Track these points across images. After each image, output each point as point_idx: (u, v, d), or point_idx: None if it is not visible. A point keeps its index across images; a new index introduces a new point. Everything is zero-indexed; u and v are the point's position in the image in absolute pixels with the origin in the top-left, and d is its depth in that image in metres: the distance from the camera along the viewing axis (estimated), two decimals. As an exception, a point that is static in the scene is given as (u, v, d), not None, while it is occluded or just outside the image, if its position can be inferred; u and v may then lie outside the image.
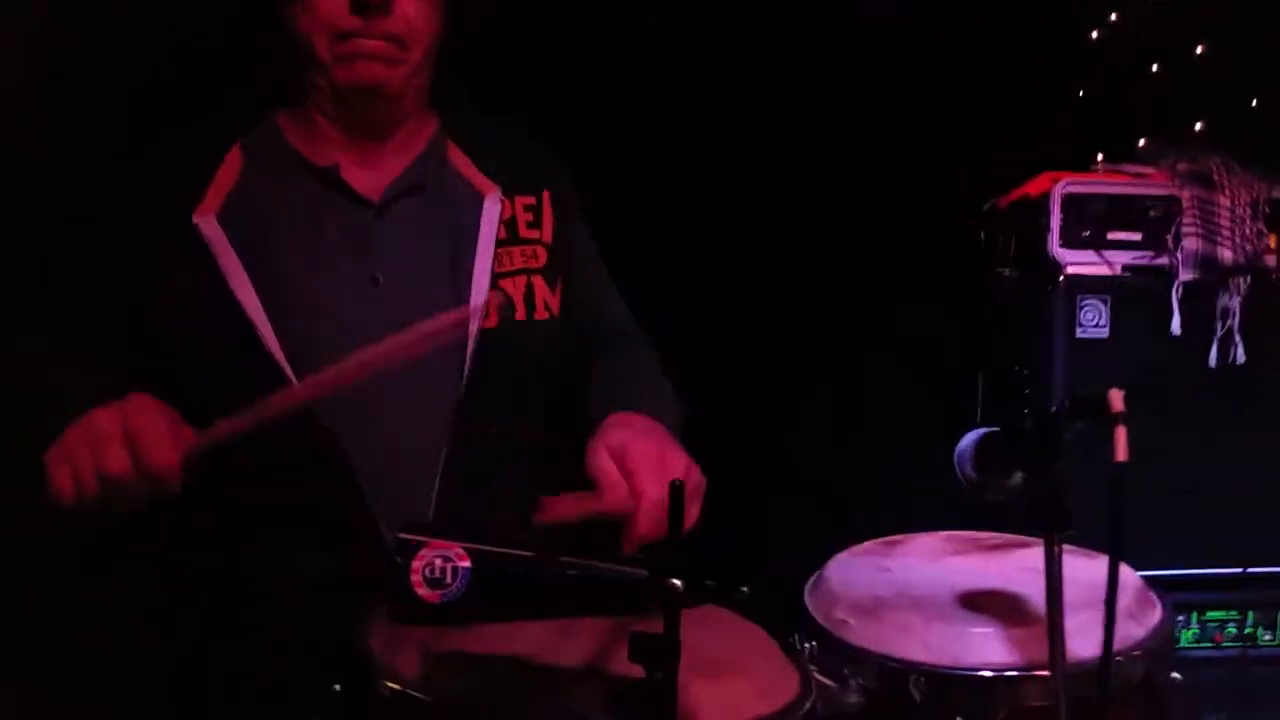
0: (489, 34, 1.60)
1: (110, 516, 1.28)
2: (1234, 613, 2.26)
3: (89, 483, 1.24)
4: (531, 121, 1.68)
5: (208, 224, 1.45)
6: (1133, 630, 1.35)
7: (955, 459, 1.30)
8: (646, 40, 2.36)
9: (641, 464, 1.28)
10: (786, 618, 1.44)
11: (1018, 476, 1.24)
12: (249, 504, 1.47)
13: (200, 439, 1.28)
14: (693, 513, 1.31)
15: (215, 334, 1.44)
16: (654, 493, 1.26)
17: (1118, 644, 1.32)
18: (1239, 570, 2.26)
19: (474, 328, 1.49)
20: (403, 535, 1.00)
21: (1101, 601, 1.32)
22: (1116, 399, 1.04)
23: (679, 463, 1.33)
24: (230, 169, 1.49)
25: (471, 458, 1.49)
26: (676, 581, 1.01)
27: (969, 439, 1.29)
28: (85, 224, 1.53)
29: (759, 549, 2.11)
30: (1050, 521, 1.11)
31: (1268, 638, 2.26)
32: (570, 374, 1.56)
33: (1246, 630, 2.25)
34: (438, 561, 0.99)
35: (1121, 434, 1.02)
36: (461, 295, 1.51)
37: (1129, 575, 1.44)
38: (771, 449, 2.41)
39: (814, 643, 1.36)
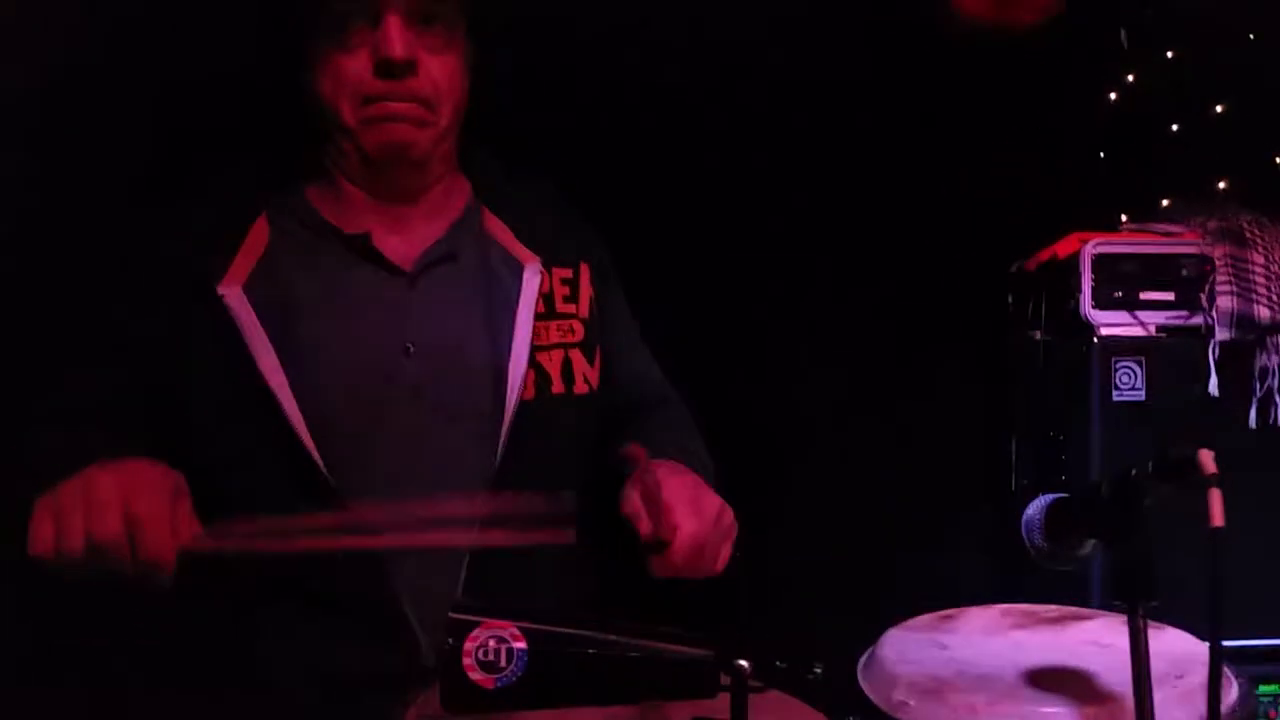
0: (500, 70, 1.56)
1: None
2: (1276, 687, 2.17)
3: (75, 545, 1.16)
4: (555, 177, 1.65)
5: (233, 295, 1.40)
6: (1212, 707, 1.28)
7: (1023, 528, 1.24)
8: (667, 96, 2.34)
9: (676, 499, 1.26)
10: (835, 696, 1.37)
11: (1089, 545, 1.18)
12: (263, 584, 1.40)
13: (202, 542, 1.21)
14: (724, 552, 1.32)
15: (238, 407, 1.39)
16: (689, 528, 1.26)
17: (1198, 721, 1.25)
18: (1281, 642, 2.18)
19: (512, 400, 1.44)
20: (454, 614, 0.94)
21: (1173, 677, 1.27)
22: (1208, 460, 0.98)
23: (713, 503, 1.30)
24: (257, 239, 1.45)
25: (495, 555, 1.42)
26: (744, 663, 0.95)
27: (1036, 506, 1.23)
28: (106, 304, 1.48)
29: (794, 622, 2.03)
30: (1135, 591, 1.05)
31: (1316, 711, 2.17)
32: (605, 442, 1.52)
33: (1293, 704, 2.16)
34: (491, 643, 0.93)
35: (1216, 497, 0.96)
36: (499, 367, 1.46)
37: (1201, 649, 1.37)
38: (800, 513, 2.35)
39: (872, 726, 1.29)
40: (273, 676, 1.40)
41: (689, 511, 1.26)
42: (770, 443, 2.34)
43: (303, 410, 1.38)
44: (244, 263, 1.43)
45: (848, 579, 2.26)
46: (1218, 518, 0.95)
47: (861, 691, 1.37)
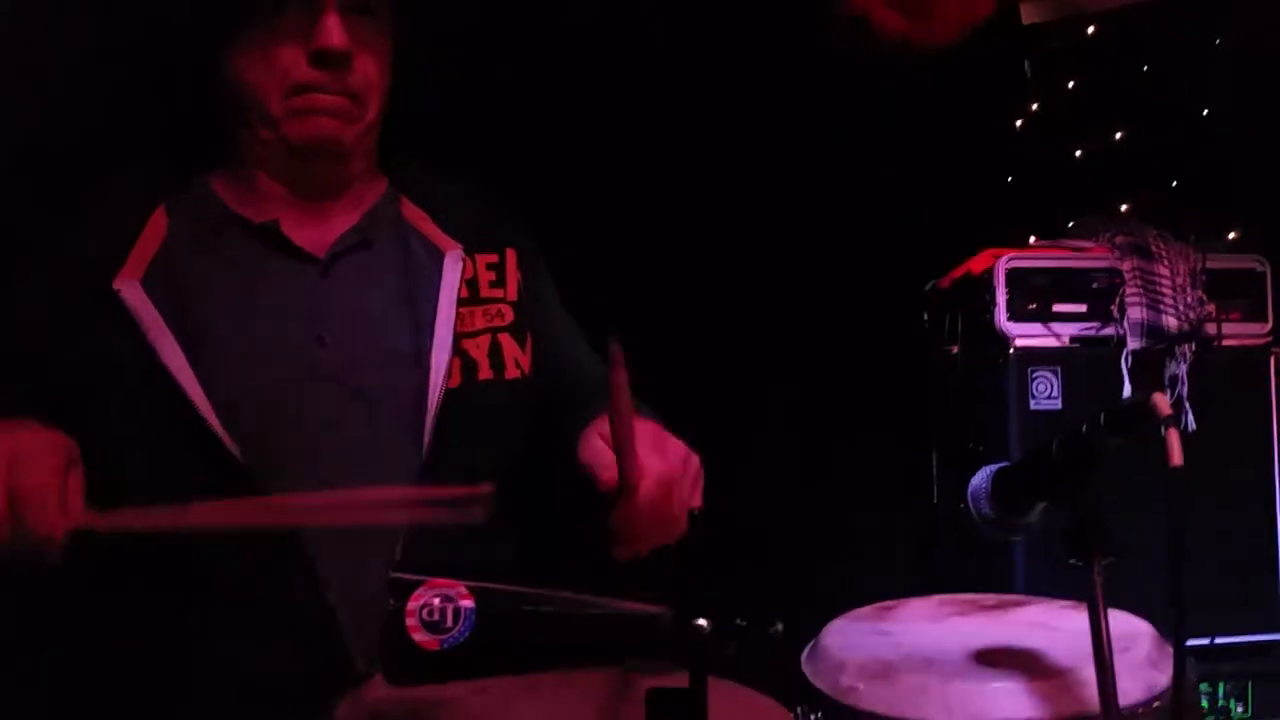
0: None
1: None
2: (1205, 685, 2.19)
3: None
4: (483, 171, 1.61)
5: (131, 290, 1.34)
6: (1157, 679, 1.28)
7: (969, 499, 1.23)
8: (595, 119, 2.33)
9: (641, 440, 1.19)
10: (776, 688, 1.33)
11: (1038, 509, 1.18)
12: (186, 585, 1.31)
13: (94, 520, 1.12)
14: (695, 496, 1.26)
15: (146, 405, 1.32)
16: (656, 467, 1.19)
17: (1144, 692, 1.25)
18: (1207, 641, 2.20)
19: (437, 388, 1.39)
20: (396, 575, 0.88)
21: (1118, 651, 1.26)
22: (1162, 402, 0.98)
23: (678, 445, 1.26)
24: (154, 232, 1.39)
25: (434, 529, 1.36)
26: (702, 621, 0.90)
27: (981, 476, 1.23)
28: None
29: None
30: (1091, 548, 1.04)
31: (1240, 710, 2.20)
32: (543, 426, 1.47)
33: (1220, 703, 2.18)
34: (436, 601, 0.87)
35: (1174, 436, 0.96)
36: (421, 355, 1.41)
37: (1142, 624, 1.37)
38: (719, 526, 2.31)
39: (819, 713, 1.26)
40: (197, 679, 1.31)
41: (654, 452, 1.20)
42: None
43: (214, 405, 1.31)
44: (141, 256, 1.37)
45: (770, 590, 2.22)
46: (1176, 457, 0.95)
47: (805, 684, 1.34)
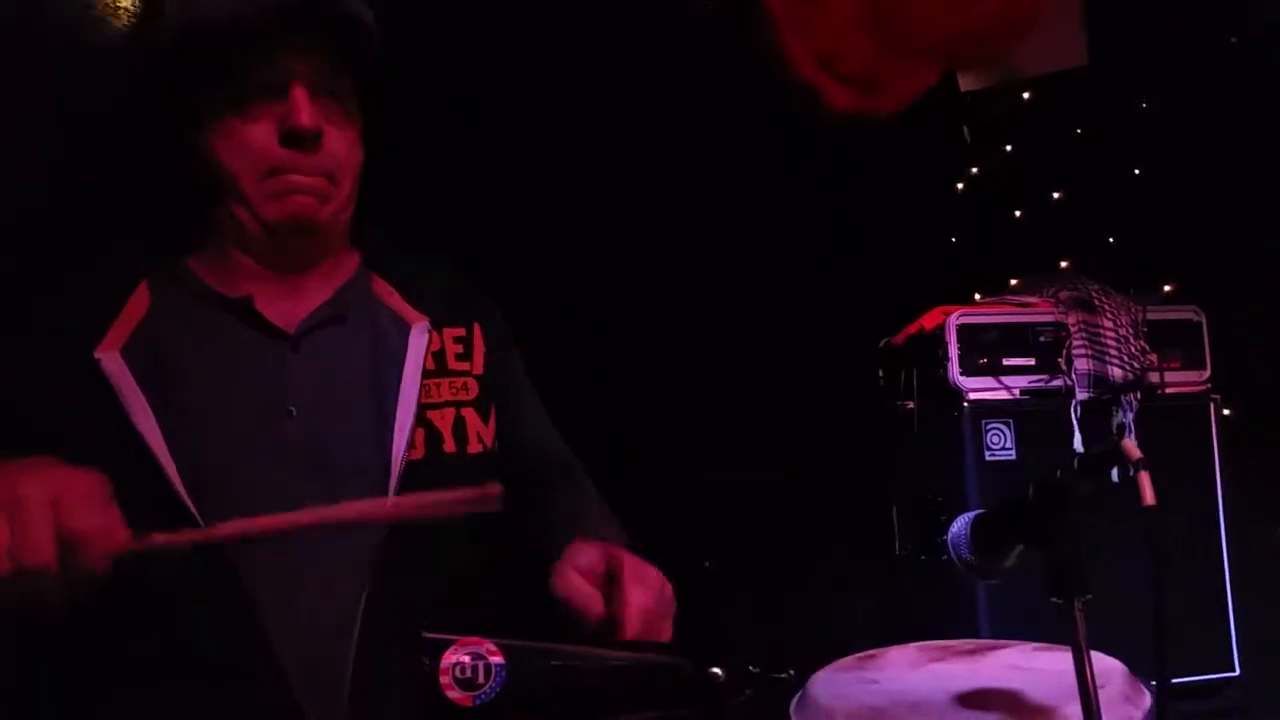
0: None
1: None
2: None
3: None
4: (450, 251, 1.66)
5: (110, 359, 1.35)
6: (1130, 713, 1.33)
7: (950, 545, 1.28)
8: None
9: (627, 572, 1.22)
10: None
11: (1015, 553, 1.24)
12: (143, 657, 1.33)
13: (134, 545, 1.14)
14: (665, 630, 1.26)
15: (119, 471, 1.32)
16: (639, 599, 1.21)
17: (1120, 728, 1.31)
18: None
19: (399, 458, 1.41)
20: (428, 634, 0.91)
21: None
22: (1132, 448, 1.05)
23: (655, 575, 1.27)
24: (137, 305, 1.41)
25: (394, 603, 1.37)
26: (718, 670, 0.95)
27: (961, 523, 1.28)
28: None
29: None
30: (1070, 588, 1.10)
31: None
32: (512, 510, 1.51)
33: (1174, 745, 2.26)
34: (467, 659, 0.90)
35: (1145, 479, 1.03)
36: (385, 426, 1.43)
37: (1112, 661, 1.43)
38: (691, 584, 2.36)
39: (812, 761, 1.29)
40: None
41: (636, 583, 1.22)
42: (658, 517, 2.35)
43: (182, 474, 1.33)
44: (122, 327, 1.38)
45: (741, 645, 2.26)
46: (1149, 497, 1.01)
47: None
